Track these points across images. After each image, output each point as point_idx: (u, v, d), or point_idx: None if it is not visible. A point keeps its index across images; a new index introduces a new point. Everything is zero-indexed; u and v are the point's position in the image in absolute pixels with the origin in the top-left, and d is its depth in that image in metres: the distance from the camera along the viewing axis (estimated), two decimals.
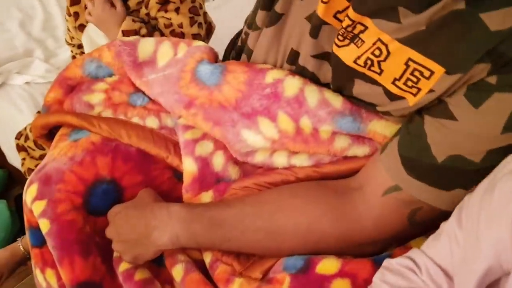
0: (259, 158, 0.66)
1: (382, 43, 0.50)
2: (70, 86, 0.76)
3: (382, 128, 0.57)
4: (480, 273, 0.42)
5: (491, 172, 0.46)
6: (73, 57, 1.14)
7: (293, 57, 0.61)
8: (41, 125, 0.74)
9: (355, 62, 0.53)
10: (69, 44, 1.15)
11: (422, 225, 0.53)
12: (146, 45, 0.77)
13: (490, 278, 0.43)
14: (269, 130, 0.61)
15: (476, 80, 0.46)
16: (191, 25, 0.98)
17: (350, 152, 0.60)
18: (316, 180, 0.61)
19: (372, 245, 0.57)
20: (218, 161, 0.68)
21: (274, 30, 0.61)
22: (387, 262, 0.53)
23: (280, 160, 0.64)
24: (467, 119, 0.47)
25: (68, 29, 1.11)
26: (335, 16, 0.54)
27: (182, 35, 0.99)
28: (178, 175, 0.71)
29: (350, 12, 0.51)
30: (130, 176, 0.67)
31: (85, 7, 1.02)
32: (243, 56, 0.69)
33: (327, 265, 0.56)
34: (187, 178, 0.66)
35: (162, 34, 1.01)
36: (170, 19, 0.99)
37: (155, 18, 1.01)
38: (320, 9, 0.54)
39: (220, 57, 0.80)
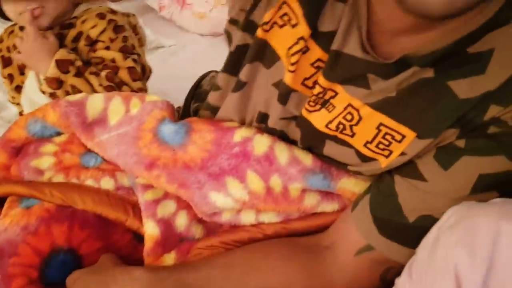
0: (226, 217, 0.66)
1: (353, 108, 0.53)
2: (14, 149, 0.72)
3: (352, 186, 0.59)
4: None
5: (435, 225, 0.48)
6: (20, 113, 1.08)
7: (262, 118, 0.62)
8: None
9: (326, 126, 0.55)
10: (12, 103, 1.09)
11: (393, 283, 0.55)
12: (95, 102, 0.74)
13: None
14: (238, 191, 0.61)
15: (445, 143, 0.50)
16: (125, 58, 0.96)
17: (319, 209, 0.61)
18: (284, 236, 0.62)
19: None
20: (181, 222, 0.67)
21: (240, 96, 0.61)
22: None
23: (248, 218, 0.64)
24: (437, 180, 0.50)
25: (8, 91, 1.05)
26: (303, 83, 0.56)
27: (116, 69, 0.96)
28: (138, 236, 0.68)
29: (321, 79, 0.53)
30: (88, 243, 0.64)
31: (14, 48, 0.97)
32: (206, 112, 0.69)
33: None
34: (148, 242, 0.64)
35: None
36: (101, 57, 0.96)
37: (88, 61, 0.98)
38: (288, 78, 0.55)
39: (179, 102, 0.80)
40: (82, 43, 0.95)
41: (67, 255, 0.61)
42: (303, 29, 0.53)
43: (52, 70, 0.90)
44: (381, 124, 0.51)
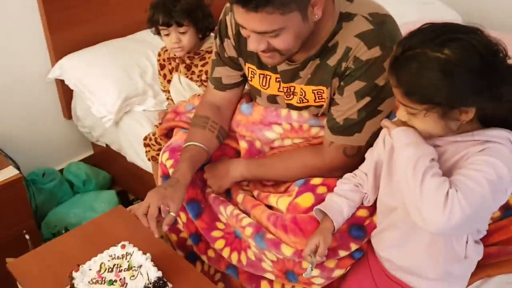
0: (276, 143, 1.37)
1: (302, 89, 1.24)
2: (177, 112, 1.50)
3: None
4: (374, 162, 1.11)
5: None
6: (167, 98, 1.88)
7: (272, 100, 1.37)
8: (164, 127, 1.52)
9: (297, 103, 1.28)
10: (163, 91, 1.89)
11: (353, 156, 1.22)
12: None
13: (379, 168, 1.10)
14: (278, 130, 1.36)
15: (337, 85, 1.19)
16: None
17: (319, 134, 1.31)
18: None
19: (336, 172, 1.26)
20: (258, 144, 1.39)
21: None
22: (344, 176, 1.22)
23: (287, 141, 1.36)
24: (341, 102, 1.20)
25: (161, 82, 1.85)
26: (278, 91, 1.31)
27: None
28: (238, 153, 1.42)
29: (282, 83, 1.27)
30: (216, 153, 1.40)
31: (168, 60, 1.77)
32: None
33: (315, 180, 1.26)
34: (242, 151, 1.38)
35: None
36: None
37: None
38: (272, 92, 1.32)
39: None
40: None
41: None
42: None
43: None
44: (313, 90, 1.23)
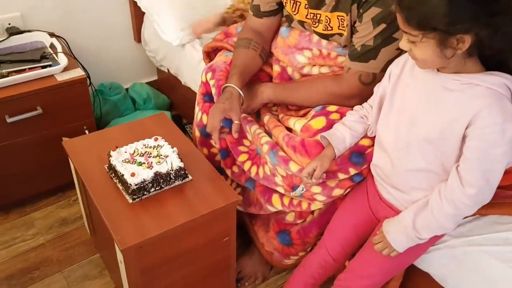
0: (305, 70, 1.51)
1: (327, 17, 1.35)
2: (227, 34, 1.68)
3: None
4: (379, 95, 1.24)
5: None
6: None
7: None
8: (211, 46, 1.73)
9: (323, 30, 1.40)
10: None
11: (368, 84, 1.34)
12: None
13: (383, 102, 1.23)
14: (308, 54, 1.50)
15: (356, 13, 1.30)
16: None
17: (344, 64, 1.42)
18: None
19: (352, 99, 1.39)
20: (289, 70, 1.53)
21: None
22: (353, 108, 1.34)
23: (315, 70, 1.49)
24: (360, 28, 1.31)
25: None
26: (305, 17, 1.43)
27: None
28: (271, 79, 1.58)
29: (309, 9, 1.39)
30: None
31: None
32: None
33: (331, 107, 1.41)
34: (275, 74, 1.54)
35: None
36: None
37: None
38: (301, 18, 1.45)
39: None
40: None
41: None
42: None
43: None
44: (338, 16, 1.34)
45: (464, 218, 1.27)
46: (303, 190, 1.30)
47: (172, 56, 2.22)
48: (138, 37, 2.45)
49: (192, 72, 2.10)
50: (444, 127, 1.06)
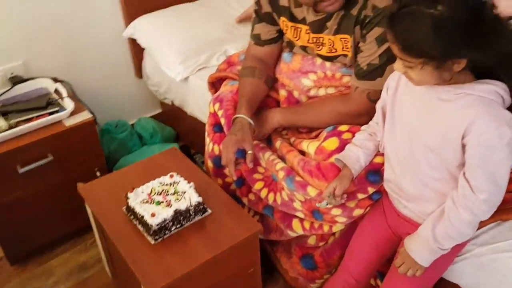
0: (312, 92, 1.53)
1: (330, 39, 1.39)
2: (230, 63, 1.71)
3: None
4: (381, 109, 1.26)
5: None
6: None
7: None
8: (215, 76, 1.76)
9: (327, 53, 1.43)
10: None
11: (376, 101, 1.35)
12: None
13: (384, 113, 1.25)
14: (313, 77, 1.52)
15: (359, 34, 1.33)
16: None
17: (349, 83, 1.44)
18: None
19: (362, 117, 1.41)
20: (296, 93, 1.56)
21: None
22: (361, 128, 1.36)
23: (322, 91, 1.51)
24: (365, 48, 1.34)
25: None
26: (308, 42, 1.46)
27: None
28: (279, 104, 1.60)
29: (311, 34, 1.42)
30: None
31: None
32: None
33: (343, 127, 1.43)
34: (282, 99, 1.56)
35: None
36: None
37: None
38: (303, 43, 1.49)
39: None
40: None
41: None
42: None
43: None
44: (340, 38, 1.37)
45: (486, 225, 1.28)
46: (327, 204, 1.31)
47: (176, 88, 2.26)
48: (139, 73, 2.49)
49: (197, 102, 2.13)
50: (443, 136, 1.08)
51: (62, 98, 1.93)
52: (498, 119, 1.00)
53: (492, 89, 1.03)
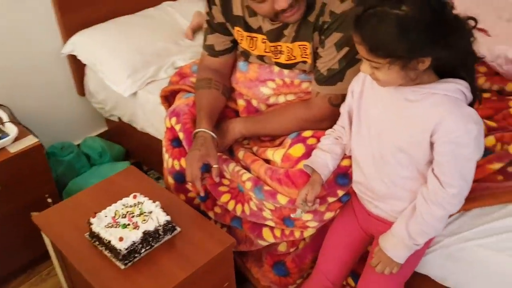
0: (271, 100, 1.53)
1: (288, 47, 1.39)
2: (181, 75, 1.67)
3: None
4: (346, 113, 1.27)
5: None
6: None
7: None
8: (168, 90, 1.72)
9: (286, 60, 1.43)
10: None
11: (338, 105, 1.36)
12: None
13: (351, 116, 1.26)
14: (272, 85, 1.52)
15: (318, 40, 1.35)
16: None
17: (309, 89, 1.46)
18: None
19: (324, 122, 1.42)
20: (255, 102, 1.54)
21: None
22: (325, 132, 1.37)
23: (281, 98, 1.51)
24: (324, 54, 1.35)
25: None
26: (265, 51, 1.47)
27: None
28: (237, 113, 1.58)
29: (268, 43, 1.43)
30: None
31: None
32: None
33: (307, 133, 1.43)
34: (240, 108, 1.55)
35: None
36: None
37: None
38: (259, 52, 1.49)
39: None
40: None
41: None
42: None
43: None
44: (299, 45, 1.38)
45: (450, 216, 1.32)
46: (302, 212, 1.31)
47: (124, 104, 2.18)
48: (81, 91, 2.39)
49: (148, 117, 2.07)
50: (412, 136, 1.11)
51: (3, 123, 1.82)
52: (465, 116, 1.04)
53: (456, 87, 1.06)
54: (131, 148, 2.53)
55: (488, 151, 1.39)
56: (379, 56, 1.01)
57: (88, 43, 2.17)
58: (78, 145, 2.44)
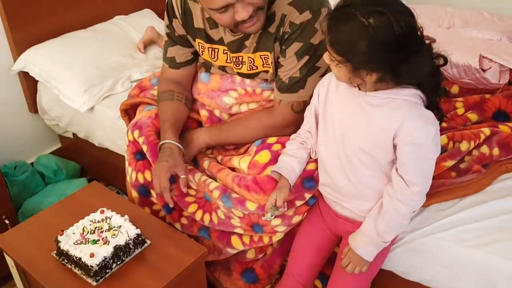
0: (234, 109, 1.55)
1: (250, 57, 1.44)
2: (141, 88, 1.67)
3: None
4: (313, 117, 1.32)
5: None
6: None
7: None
8: (129, 103, 1.71)
9: (248, 70, 1.47)
10: None
11: (300, 112, 1.41)
12: None
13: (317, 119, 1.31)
14: (234, 95, 1.55)
15: (279, 50, 1.40)
16: None
17: (270, 98, 1.50)
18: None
19: (288, 128, 1.46)
20: (217, 112, 1.56)
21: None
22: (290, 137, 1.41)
23: (244, 107, 1.54)
24: (285, 63, 1.40)
25: None
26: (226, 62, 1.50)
27: None
28: (200, 123, 1.60)
29: (230, 54, 1.46)
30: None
31: None
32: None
33: (271, 139, 1.46)
34: (203, 119, 1.56)
35: None
36: None
37: None
38: (221, 63, 1.53)
39: None
40: None
41: None
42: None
43: None
44: (260, 55, 1.42)
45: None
46: (272, 216, 1.33)
47: (80, 119, 2.14)
48: (33, 108, 2.32)
49: (106, 132, 2.04)
50: (375, 138, 1.17)
51: None
52: (424, 119, 1.11)
53: (414, 92, 1.14)
54: (86, 164, 2.49)
55: (442, 149, 1.48)
56: (333, 50, 1.07)
57: (40, 59, 2.12)
58: (32, 163, 2.37)
